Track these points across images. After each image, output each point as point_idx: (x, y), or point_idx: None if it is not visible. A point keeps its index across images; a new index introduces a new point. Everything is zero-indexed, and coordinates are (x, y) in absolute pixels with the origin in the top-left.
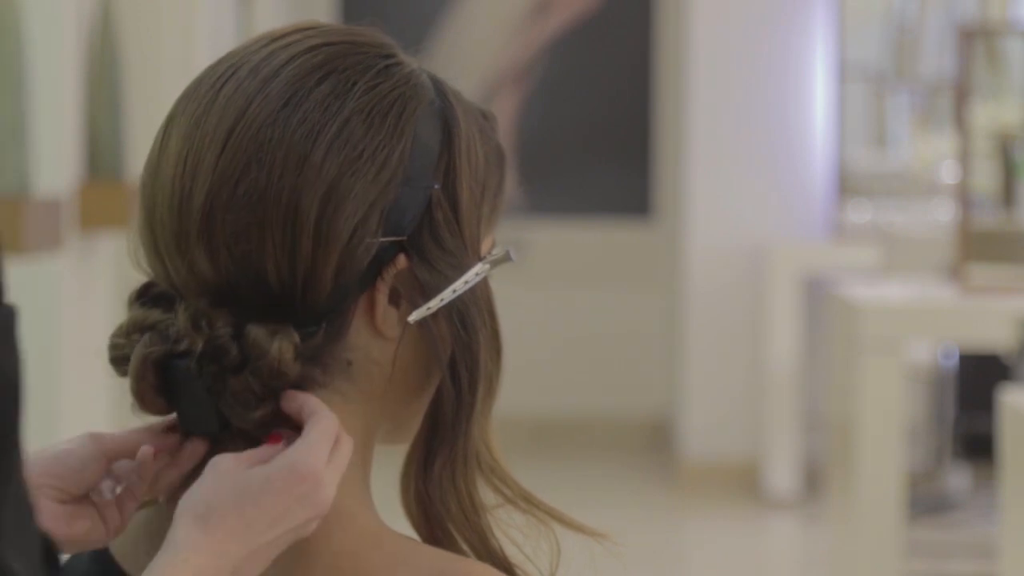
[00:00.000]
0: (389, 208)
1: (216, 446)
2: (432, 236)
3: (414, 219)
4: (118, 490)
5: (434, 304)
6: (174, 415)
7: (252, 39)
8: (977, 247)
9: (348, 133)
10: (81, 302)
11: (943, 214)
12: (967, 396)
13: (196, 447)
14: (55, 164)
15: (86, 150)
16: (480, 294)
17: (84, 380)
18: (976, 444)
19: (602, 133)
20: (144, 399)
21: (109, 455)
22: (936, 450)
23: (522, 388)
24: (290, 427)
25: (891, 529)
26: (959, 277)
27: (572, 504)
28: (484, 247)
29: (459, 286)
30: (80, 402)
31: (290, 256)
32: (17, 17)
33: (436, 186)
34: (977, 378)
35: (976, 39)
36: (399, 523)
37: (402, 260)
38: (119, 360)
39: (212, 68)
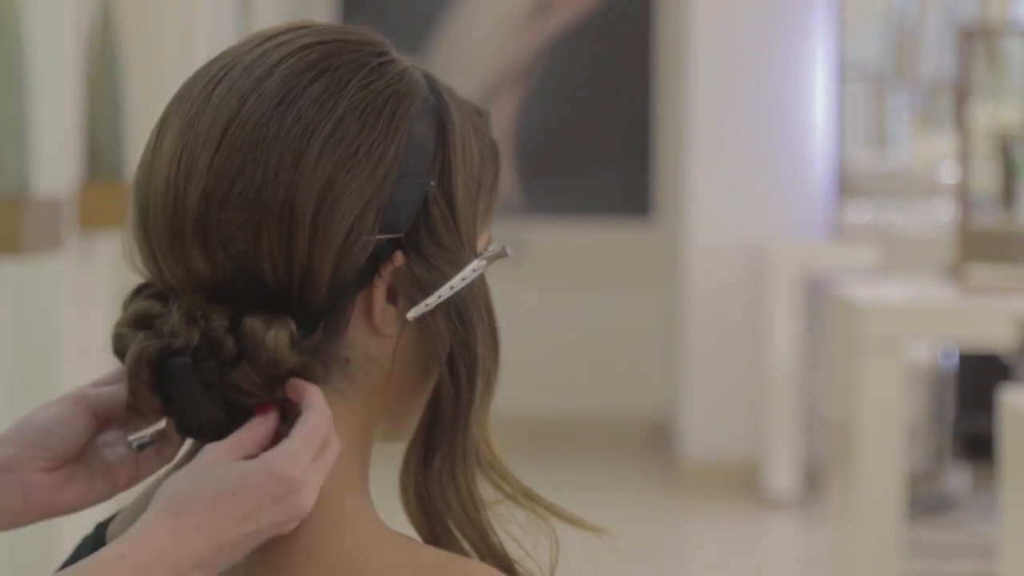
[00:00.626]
0: (385, 206)
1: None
2: (429, 233)
3: (410, 216)
4: (130, 438)
5: (432, 301)
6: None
7: (245, 39)
8: (977, 247)
9: (343, 131)
10: (81, 302)
11: (943, 214)
12: (967, 396)
13: (180, 440)
14: (55, 164)
15: (86, 150)
16: (477, 290)
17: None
18: (976, 444)
19: (602, 133)
20: (140, 397)
21: (95, 410)
22: (936, 450)
23: (522, 388)
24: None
25: (891, 529)
26: (959, 277)
27: (572, 504)
28: (480, 243)
29: (456, 282)
30: None
31: (286, 255)
32: (17, 17)
33: (432, 183)
34: (977, 378)
35: (976, 39)
36: (399, 522)
37: (399, 257)
38: (122, 352)
39: (205, 68)
